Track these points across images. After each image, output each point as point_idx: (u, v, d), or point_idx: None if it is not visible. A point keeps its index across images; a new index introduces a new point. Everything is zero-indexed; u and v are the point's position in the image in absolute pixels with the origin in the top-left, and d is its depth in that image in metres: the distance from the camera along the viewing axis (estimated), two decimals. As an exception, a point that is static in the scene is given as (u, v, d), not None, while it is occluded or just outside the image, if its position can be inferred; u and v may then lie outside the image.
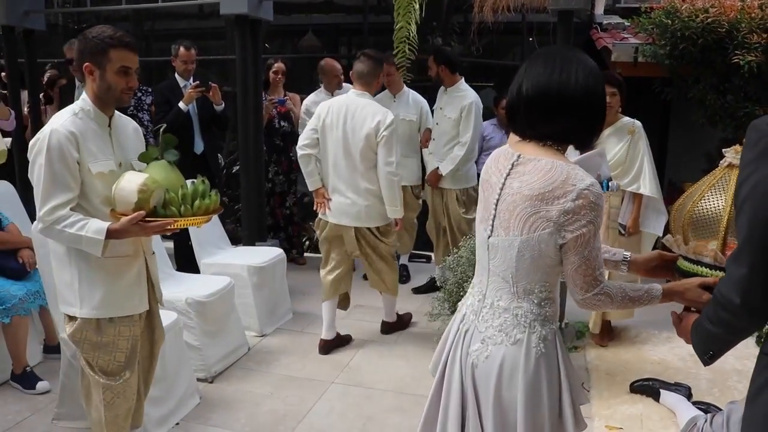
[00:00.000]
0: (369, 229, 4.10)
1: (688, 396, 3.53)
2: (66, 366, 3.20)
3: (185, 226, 2.47)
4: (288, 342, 4.40)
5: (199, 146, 5.32)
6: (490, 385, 1.81)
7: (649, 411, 3.51)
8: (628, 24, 6.60)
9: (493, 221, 1.81)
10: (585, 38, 7.66)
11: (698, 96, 5.37)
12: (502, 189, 1.79)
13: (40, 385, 3.59)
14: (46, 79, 6.00)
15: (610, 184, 3.15)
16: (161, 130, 2.49)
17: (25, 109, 6.04)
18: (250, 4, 5.07)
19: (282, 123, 5.85)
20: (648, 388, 3.66)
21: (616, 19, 7.76)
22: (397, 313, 4.56)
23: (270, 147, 5.85)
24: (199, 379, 3.71)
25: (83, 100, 2.48)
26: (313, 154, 4.07)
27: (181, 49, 5.20)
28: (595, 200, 1.67)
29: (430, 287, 5.30)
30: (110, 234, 2.31)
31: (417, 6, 3.70)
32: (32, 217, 3.69)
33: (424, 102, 5.33)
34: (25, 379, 3.61)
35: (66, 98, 5.85)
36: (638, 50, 5.93)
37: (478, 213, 1.92)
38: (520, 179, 1.74)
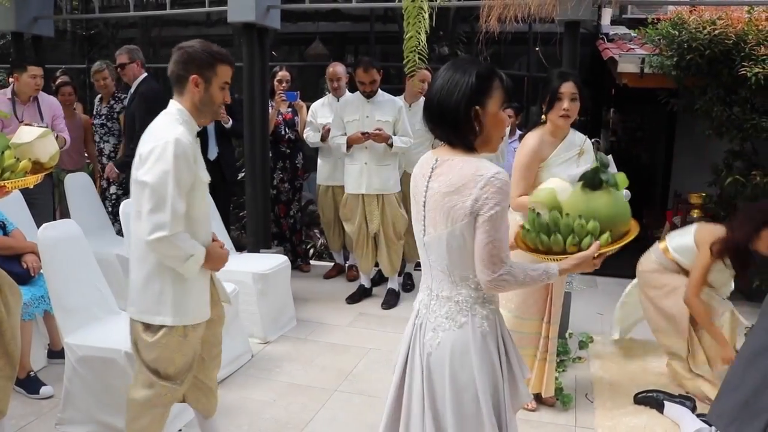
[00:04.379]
0: None
1: (693, 408, 3.51)
2: (70, 371, 3.21)
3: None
4: (291, 349, 4.39)
5: (213, 152, 5.42)
6: (444, 369, 1.98)
7: (652, 423, 3.49)
8: (635, 35, 6.62)
9: (425, 221, 2.00)
10: (592, 49, 7.69)
11: (705, 107, 5.37)
12: (426, 191, 1.97)
13: (44, 390, 3.59)
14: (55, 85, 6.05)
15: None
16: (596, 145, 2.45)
17: None
18: (258, 12, 5.10)
19: (287, 130, 5.86)
20: (652, 400, 3.64)
21: (622, 30, 7.79)
22: None
23: (275, 154, 5.88)
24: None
25: (180, 111, 2.50)
26: None
27: None
28: (501, 186, 1.84)
29: (363, 293, 5.39)
30: None
31: (426, 15, 3.70)
32: (38, 223, 3.73)
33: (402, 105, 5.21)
34: (29, 383, 3.61)
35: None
36: (644, 61, 5.95)
37: (413, 217, 2.09)
38: (439, 180, 1.93)
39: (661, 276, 3.88)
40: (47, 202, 5.22)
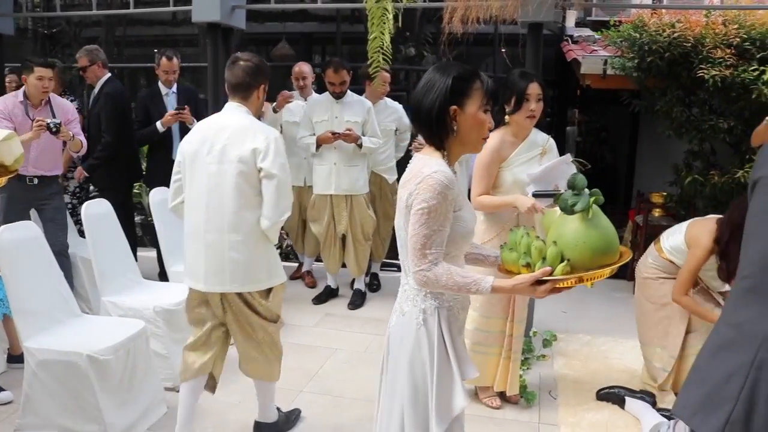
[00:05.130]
0: None
1: (653, 403, 3.57)
2: (30, 376, 3.15)
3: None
4: (257, 351, 4.37)
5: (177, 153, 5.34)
6: (390, 350, 2.10)
7: (614, 418, 3.55)
8: (598, 37, 6.71)
9: (396, 210, 2.07)
10: (557, 50, 7.78)
11: (665, 108, 5.48)
12: (400, 183, 2.06)
13: (3, 396, 3.53)
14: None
15: None
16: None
17: None
18: (223, 12, 5.07)
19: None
20: (614, 396, 3.70)
21: (587, 32, 7.89)
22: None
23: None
24: (166, 388, 3.66)
25: (248, 113, 3.02)
26: None
27: (163, 59, 5.23)
28: (434, 184, 1.88)
29: (330, 294, 5.39)
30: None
31: (391, 16, 3.71)
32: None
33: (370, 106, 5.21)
34: (-13, 388, 3.55)
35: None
36: (607, 63, 6.04)
37: None
38: (405, 174, 2.03)
39: (660, 285, 3.59)
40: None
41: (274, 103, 5.27)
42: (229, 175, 2.86)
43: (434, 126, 1.97)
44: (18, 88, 5.72)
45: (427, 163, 1.95)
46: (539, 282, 1.91)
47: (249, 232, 2.91)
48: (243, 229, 2.90)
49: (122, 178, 5.29)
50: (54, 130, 4.26)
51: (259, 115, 3.20)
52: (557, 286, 1.92)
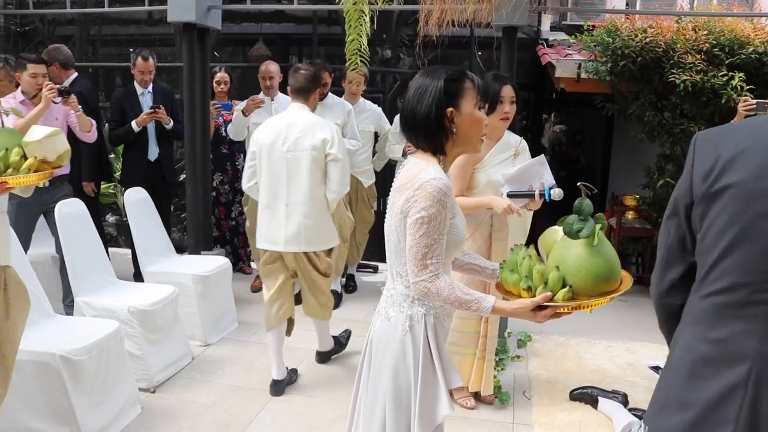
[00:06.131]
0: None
1: (625, 403, 3.63)
2: (1, 376, 3.12)
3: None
4: (233, 351, 4.36)
5: (153, 153, 5.34)
6: (372, 354, 2.05)
7: (587, 418, 3.60)
8: (573, 41, 6.78)
9: (388, 214, 2.03)
10: (532, 54, 7.85)
11: (637, 112, 5.56)
12: (393, 186, 2.02)
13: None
14: None
15: (552, 191, 3.18)
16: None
17: None
18: (198, 12, 5.05)
19: (228, 132, 5.78)
20: (587, 396, 3.75)
21: (562, 36, 7.96)
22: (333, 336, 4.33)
23: (216, 155, 5.81)
24: (140, 389, 3.65)
25: (310, 112, 3.78)
26: None
27: (139, 59, 5.20)
28: (432, 191, 1.85)
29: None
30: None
31: (368, 18, 3.73)
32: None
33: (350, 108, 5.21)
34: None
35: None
36: (581, 66, 6.11)
37: None
38: (398, 177, 1.99)
39: None
40: None
41: (242, 104, 5.22)
42: (303, 161, 3.63)
43: (434, 131, 1.94)
44: None
45: (424, 168, 1.91)
46: (540, 307, 1.88)
47: (318, 204, 3.71)
48: (314, 201, 3.68)
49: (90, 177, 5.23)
50: (65, 93, 4.24)
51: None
52: (558, 311, 1.89)
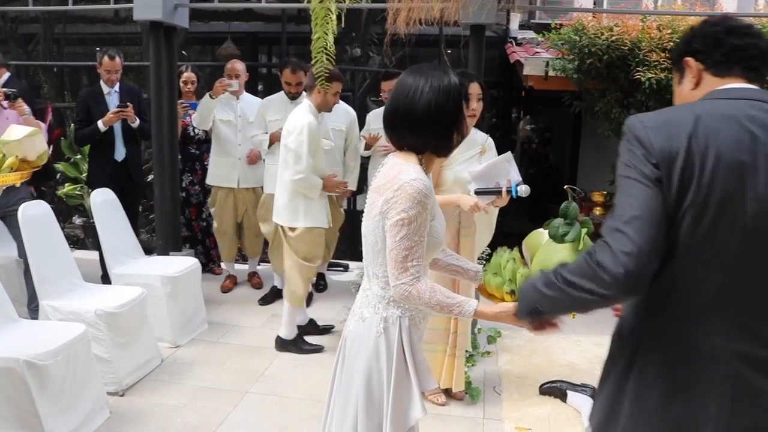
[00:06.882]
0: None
1: (593, 396, 3.67)
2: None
3: None
4: (203, 352, 4.33)
5: (120, 153, 5.26)
6: (345, 355, 2.03)
7: (557, 412, 3.64)
8: (541, 39, 6.84)
9: (366, 213, 2.00)
10: (501, 52, 7.90)
11: (604, 109, 5.63)
12: (371, 185, 1.99)
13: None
14: None
15: (519, 188, 3.20)
16: None
17: None
18: (165, 10, 5.00)
19: (197, 131, 5.74)
20: (556, 390, 3.79)
21: (530, 34, 8.03)
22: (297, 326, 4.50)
23: (184, 155, 5.76)
24: (109, 393, 3.60)
25: (310, 106, 4.15)
26: None
27: (106, 58, 5.12)
28: (413, 192, 1.81)
29: (276, 294, 5.31)
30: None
31: (334, 17, 3.72)
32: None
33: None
34: None
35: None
36: (549, 64, 6.16)
37: None
38: (377, 176, 1.96)
39: None
40: None
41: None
42: (282, 148, 4.21)
43: (447, 129, 1.89)
44: None
45: (404, 168, 1.87)
46: None
47: (285, 185, 4.17)
48: (283, 183, 4.19)
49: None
50: (12, 97, 4.14)
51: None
52: (553, 322, 1.84)
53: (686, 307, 1.47)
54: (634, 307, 1.56)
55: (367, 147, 5.21)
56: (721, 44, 1.55)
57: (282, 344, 4.38)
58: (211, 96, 5.13)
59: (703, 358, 1.46)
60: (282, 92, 5.12)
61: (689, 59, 1.61)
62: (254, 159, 5.37)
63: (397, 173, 1.86)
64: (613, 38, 5.34)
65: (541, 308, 1.63)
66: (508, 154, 3.39)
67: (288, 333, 4.38)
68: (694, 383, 1.46)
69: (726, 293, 1.44)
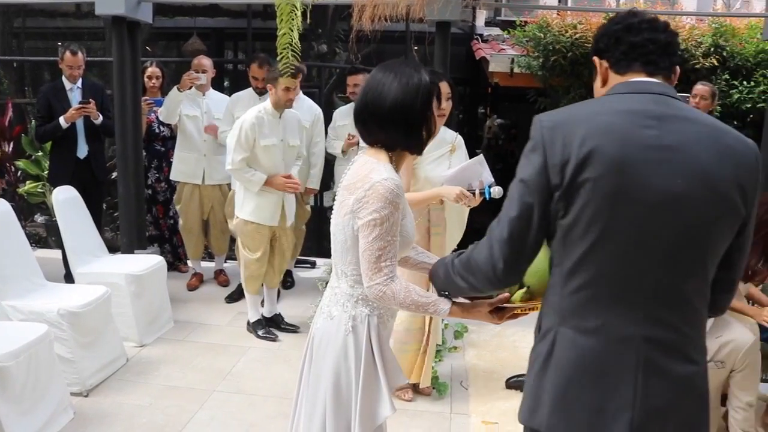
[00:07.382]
0: None
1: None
2: None
3: None
4: (169, 351, 4.29)
5: (82, 150, 5.18)
6: (313, 353, 2.01)
7: (522, 405, 3.68)
8: (507, 36, 6.90)
9: (335, 210, 1.97)
10: (467, 49, 7.95)
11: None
12: (341, 183, 1.95)
13: None
14: None
15: (492, 189, 3.22)
16: None
17: None
18: (128, 5, 4.92)
19: (162, 128, 5.67)
20: (522, 384, 3.81)
21: (496, 31, 8.10)
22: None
23: (150, 152, 5.69)
24: (73, 393, 3.55)
25: (264, 103, 4.27)
26: None
27: (67, 53, 5.03)
28: (384, 192, 1.80)
29: (242, 292, 5.17)
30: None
31: (299, 13, 3.71)
32: None
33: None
34: None
35: None
36: (514, 61, 6.22)
37: None
38: (347, 174, 1.93)
39: None
40: None
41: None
42: None
43: (416, 126, 1.87)
44: None
45: (375, 167, 1.85)
46: (497, 308, 1.86)
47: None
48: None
49: None
50: None
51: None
52: (515, 312, 1.88)
53: (596, 298, 1.51)
54: (551, 300, 1.60)
55: (344, 151, 5.20)
56: (620, 42, 1.58)
57: (248, 324, 4.66)
58: (178, 89, 5.08)
59: (615, 345, 1.51)
60: (250, 88, 5.09)
61: (595, 58, 1.64)
62: (213, 131, 5.29)
63: (368, 172, 1.84)
64: (577, 36, 5.42)
65: (446, 292, 1.87)
66: (480, 157, 3.41)
67: (250, 315, 4.64)
68: (608, 371, 1.51)
69: (632, 282, 1.48)
